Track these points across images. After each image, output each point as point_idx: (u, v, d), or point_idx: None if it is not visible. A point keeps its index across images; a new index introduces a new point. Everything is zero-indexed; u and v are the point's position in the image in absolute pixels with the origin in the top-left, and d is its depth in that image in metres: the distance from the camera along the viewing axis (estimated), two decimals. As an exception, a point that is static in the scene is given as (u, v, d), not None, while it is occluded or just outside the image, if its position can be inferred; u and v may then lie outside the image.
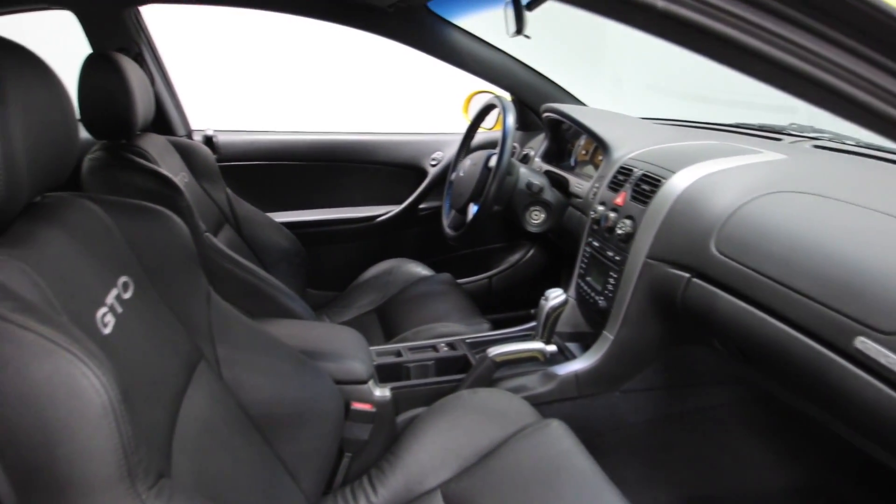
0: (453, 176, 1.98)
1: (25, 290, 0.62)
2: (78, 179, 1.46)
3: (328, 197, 2.34)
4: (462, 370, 1.48)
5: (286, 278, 1.72)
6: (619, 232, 1.41)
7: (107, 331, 0.75)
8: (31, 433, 0.54)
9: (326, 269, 2.30)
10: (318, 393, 1.15)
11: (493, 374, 1.40)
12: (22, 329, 0.54)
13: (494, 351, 1.38)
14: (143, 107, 1.52)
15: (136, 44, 1.88)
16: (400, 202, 2.38)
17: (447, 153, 2.35)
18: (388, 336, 1.84)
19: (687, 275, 1.22)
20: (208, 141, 2.15)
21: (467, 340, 1.57)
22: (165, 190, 1.41)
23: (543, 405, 1.37)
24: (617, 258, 1.43)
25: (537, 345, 1.39)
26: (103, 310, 0.76)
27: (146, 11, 1.94)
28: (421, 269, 2.17)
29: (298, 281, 2.02)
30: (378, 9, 1.81)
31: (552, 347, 1.40)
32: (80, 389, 0.54)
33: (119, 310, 0.80)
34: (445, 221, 1.99)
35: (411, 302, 1.94)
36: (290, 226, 2.13)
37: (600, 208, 1.55)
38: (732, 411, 1.53)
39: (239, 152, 2.22)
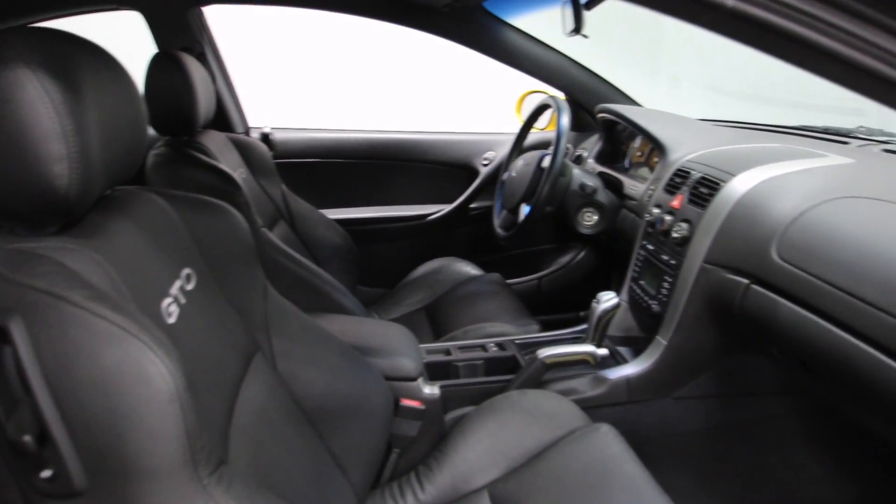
0: (505, 176, 1.98)
1: (98, 279, 0.65)
2: (142, 174, 1.52)
3: (380, 195, 2.37)
4: (511, 371, 1.48)
5: (338, 274, 1.74)
6: (675, 235, 1.38)
7: (171, 320, 0.77)
8: (102, 417, 0.56)
9: (377, 266, 2.33)
10: (368, 388, 1.17)
11: (543, 375, 1.39)
12: (95, 316, 0.57)
13: (544, 353, 1.37)
14: (204, 104, 1.57)
15: (199, 43, 1.94)
16: (451, 201, 2.39)
17: (499, 153, 2.35)
18: (437, 334, 1.85)
19: (746, 281, 1.18)
20: (265, 138, 2.20)
21: (516, 341, 1.57)
22: (225, 185, 1.45)
23: (593, 409, 1.35)
24: (672, 262, 1.40)
25: (588, 348, 1.37)
26: (168, 300, 0.78)
27: (209, 12, 2.00)
28: (470, 269, 2.17)
29: (349, 277, 2.05)
30: (433, 8, 1.81)
31: (603, 351, 1.39)
32: (148, 376, 0.56)
33: (182, 300, 0.82)
34: (496, 221, 1.99)
35: (460, 301, 1.94)
36: (343, 223, 2.16)
37: (656, 211, 1.52)
38: (790, 423, 1.48)
39: (294, 149, 2.26)
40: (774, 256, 1.11)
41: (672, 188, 1.50)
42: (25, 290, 0.58)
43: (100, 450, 0.56)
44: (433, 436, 1.31)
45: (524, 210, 1.80)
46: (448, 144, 2.38)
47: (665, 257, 1.44)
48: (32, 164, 0.60)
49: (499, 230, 1.94)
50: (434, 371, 1.45)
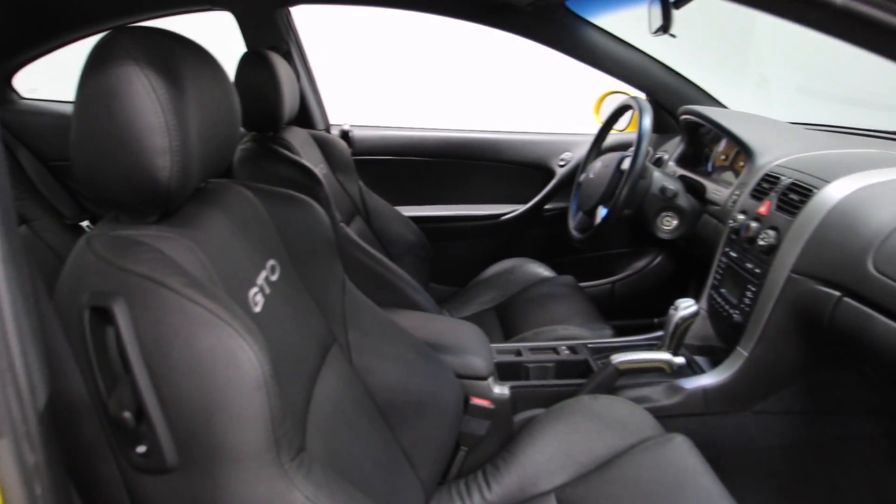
0: (582, 177, 1.95)
1: (193, 267, 0.68)
2: (230, 167, 1.58)
3: (455, 193, 2.38)
4: (583, 375, 1.46)
5: (410, 271, 1.76)
6: (761, 243, 1.33)
7: (257, 309, 0.80)
8: (194, 398, 0.59)
9: (449, 264, 2.34)
10: (440, 385, 1.18)
11: (616, 381, 1.36)
12: (191, 302, 0.60)
13: (618, 358, 1.34)
14: (289, 102, 1.62)
15: (286, 42, 2.00)
16: (525, 201, 2.37)
17: (576, 154, 2.32)
18: (507, 334, 1.84)
19: (837, 293, 1.13)
20: (344, 135, 2.25)
21: (589, 345, 1.54)
22: (307, 180, 1.49)
23: (667, 418, 1.31)
24: (757, 271, 1.35)
25: (664, 355, 1.34)
26: (254, 290, 0.82)
27: (295, 11, 2.06)
28: (543, 270, 2.15)
29: (421, 274, 2.07)
30: (516, 8, 1.81)
31: (680, 359, 1.35)
32: (238, 362, 0.59)
33: (267, 291, 0.85)
34: (571, 223, 1.96)
35: (532, 302, 1.93)
36: (417, 220, 2.18)
37: (740, 217, 1.46)
38: (879, 445, 1.40)
39: (372, 147, 2.30)
40: (870, 268, 1.05)
41: (759, 194, 1.45)
42: (128, 275, 0.61)
43: (190, 429, 0.59)
44: (501, 436, 1.31)
45: (601, 212, 1.77)
46: (524, 144, 2.36)
47: (749, 265, 1.38)
48: (138, 156, 0.64)
49: (574, 232, 1.92)
50: (504, 371, 1.45)
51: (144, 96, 0.63)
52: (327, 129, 2.23)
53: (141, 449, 0.60)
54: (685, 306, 1.34)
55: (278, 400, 0.61)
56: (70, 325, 0.61)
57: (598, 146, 2.04)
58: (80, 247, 0.67)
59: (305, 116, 2.12)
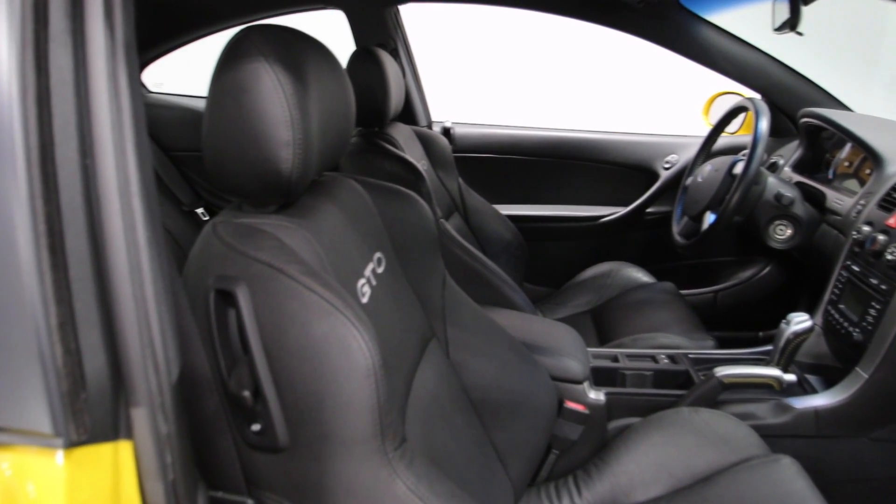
0: (689, 181, 1.88)
1: (308, 256, 0.71)
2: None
3: (553, 193, 2.35)
4: (682, 386, 1.41)
5: (506, 270, 1.76)
6: (889, 258, 1.23)
7: (364, 300, 0.83)
8: (306, 382, 0.61)
9: (544, 264, 2.32)
10: (535, 386, 1.17)
11: (719, 395, 1.31)
12: (308, 290, 0.62)
13: (723, 371, 1.28)
14: (395, 98, 1.66)
15: (393, 39, 2.04)
16: (626, 204, 2.31)
17: (683, 156, 2.24)
18: (602, 339, 1.81)
19: None
20: (446, 132, 2.27)
21: (690, 355, 1.48)
22: (410, 176, 1.52)
23: (773, 438, 1.24)
24: (883, 287, 1.25)
25: (773, 371, 1.27)
26: (362, 281, 0.84)
27: (403, 9, 2.10)
28: (642, 275, 2.09)
29: (516, 274, 2.06)
30: (628, 6, 1.76)
31: (790, 376, 1.27)
32: (350, 350, 0.60)
33: (373, 282, 0.88)
34: (675, 228, 1.89)
35: (629, 307, 1.88)
36: (514, 219, 2.17)
37: (866, 229, 1.36)
38: None
39: (472, 144, 2.31)
40: None
41: (888, 204, 1.34)
42: (251, 262, 0.64)
43: (301, 412, 0.62)
44: (594, 442, 1.28)
45: (709, 218, 1.70)
46: (627, 145, 2.30)
47: (874, 281, 1.28)
48: (264, 148, 0.67)
49: (678, 237, 1.85)
50: (599, 376, 1.42)
51: (272, 91, 0.66)
52: (429, 125, 2.26)
53: (256, 427, 0.63)
54: (799, 321, 1.26)
55: (386, 389, 0.62)
56: (196, 305, 0.65)
57: (707, 149, 1.96)
58: (207, 232, 0.71)
59: (409, 113, 2.16)
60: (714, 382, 1.28)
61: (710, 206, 1.69)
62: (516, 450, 1.15)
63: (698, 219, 1.75)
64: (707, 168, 1.76)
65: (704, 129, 2.00)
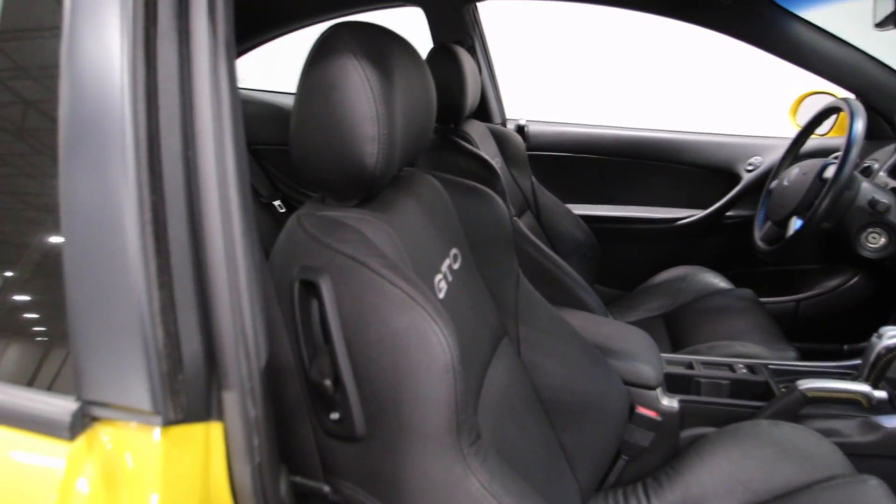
0: (774, 184, 1.80)
1: (389, 250, 0.72)
2: None
3: (628, 194, 2.30)
4: (761, 397, 1.35)
5: (577, 271, 1.73)
6: None
7: (440, 296, 0.83)
8: (385, 375, 0.62)
9: (616, 266, 2.27)
10: (606, 389, 1.15)
11: (801, 409, 1.25)
12: (389, 283, 0.63)
13: (807, 384, 1.23)
14: (471, 95, 1.66)
15: (471, 37, 2.04)
16: (705, 207, 2.23)
17: (767, 159, 2.14)
18: (675, 345, 1.76)
19: None
20: (520, 130, 2.26)
21: (770, 366, 1.42)
22: (485, 173, 1.52)
23: (859, 457, 1.18)
24: None
25: (862, 387, 1.20)
26: (439, 276, 0.85)
27: (481, 6, 2.10)
28: (718, 281, 2.02)
29: (588, 275, 2.03)
30: (716, 2, 1.70)
31: (881, 393, 1.20)
32: (430, 345, 0.61)
33: (449, 278, 0.88)
34: (757, 234, 1.82)
35: (705, 314, 1.82)
36: (587, 219, 2.14)
37: (970, 240, 1.27)
38: None
39: (546, 142, 2.29)
40: None
41: None
42: (334, 254, 0.66)
43: (380, 403, 0.63)
44: (666, 450, 1.25)
45: (794, 224, 1.62)
46: (708, 146, 2.23)
47: (978, 296, 1.20)
48: (350, 143, 0.68)
49: (759, 243, 1.78)
50: (673, 383, 1.38)
51: (359, 87, 0.67)
52: (504, 123, 2.26)
53: (335, 416, 0.64)
54: (892, 335, 1.19)
55: (464, 385, 0.63)
56: (281, 294, 0.67)
57: (795, 151, 1.87)
58: (292, 224, 0.73)
59: (484, 110, 2.16)
60: (797, 395, 1.23)
61: (797, 212, 1.61)
62: (585, 453, 1.13)
63: (783, 224, 1.67)
64: (795, 171, 1.68)
65: (792, 131, 1.91)
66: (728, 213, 2.22)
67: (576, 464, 1.12)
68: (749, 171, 2.17)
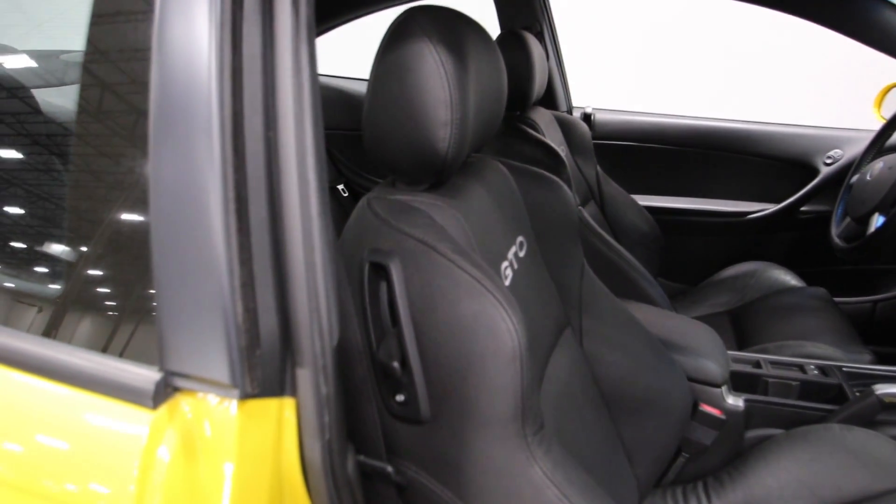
0: (855, 179, 1.72)
1: (458, 235, 0.72)
2: None
3: (697, 186, 2.23)
4: (833, 401, 1.30)
5: (640, 263, 1.70)
6: None
7: (506, 283, 0.83)
8: (452, 359, 0.62)
9: (681, 259, 2.21)
10: (669, 385, 1.13)
11: (877, 415, 1.19)
12: (458, 268, 0.63)
13: (885, 389, 1.17)
14: (539, 82, 1.64)
15: (539, 22, 2.01)
16: (777, 201, 2.15)
17: (848, 152, 2.04)
18: (740, 343, 1.70)
19: None
20: (586, 118, 2.22)
21: (844, 368, 1.36)
22: (550, 161, 1.50)
23: None
24: None
25: (945, 395, 1.14)
26: (505, 263, 0.84)
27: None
28: (790, 278, 1.95)
29: (651, 268, 1.98)
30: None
31: None
32: (498, 331, 0.61)
33: (515, 266, 0.88)
34: (835, 230, 1.74)
35: (774, 312, 1.75)
36: (652, 210, 2.09)
37: None
38: None
39: (613, 131, 2.24)
40: None
41: None
42: (404, 237, 0.66)
43: (446, 387, 0.63)
44: (728, 450, 1.22)
45: (876, 221, 1.54)
46: (784, 138, 2.14)
47: None
48: (423, 127, 0.69)
49: (837, 240, 1.70)
50: (739, 382, 1.34)
51: (434, 71, 0.67)
52: (570, 110, 2.22)
53: (400, 398, 0.65)
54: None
55: (530, 373, 0.62)
56: (351, 276, 0.68)
57: (879, 144, 1.77)
58: (362, 207, 0.74)
59: (550, 97, 2.13)
60: (873, 400, 1.18)
61: (879, 208, 1.53)
62: (644, 448, 1.11)
63: (863, 221, 1.59)
64: (879, 165, 1.60)
65: (876, 123, 1.82)
66: (803, 208, 2.13)
67: (635, 459, 1.11)
68: (828, 164, 2.07)
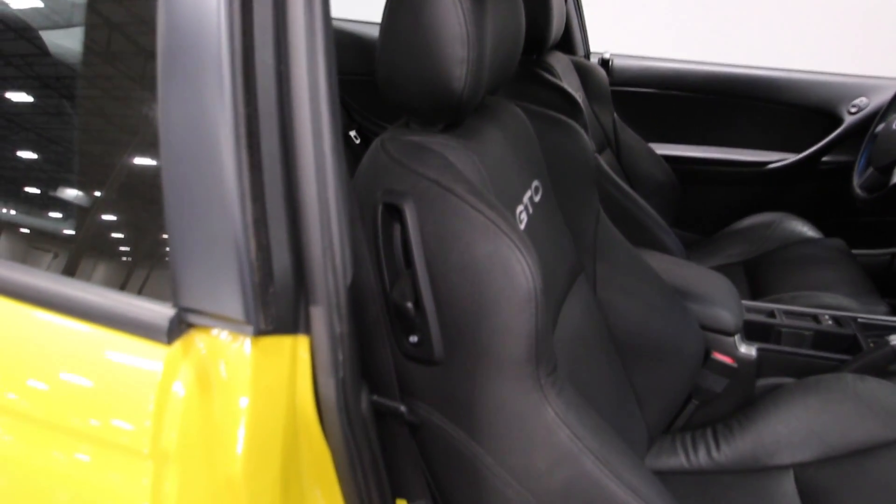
0: (881, 128, 1.67)
1: (473, 177, 0.71)
2: None
3: (716, 134, 2.18)
4: (846, 351, 1.29)
5: (655, 212, 1.68)
6: None
7: (521, 227, 0.82)
8: (466, 300, 0.62)
9: (697, 209, 2.19)
10: (682, 333, 1.13)
11: (891, 365, 1.19)
12: (474, 210, 0.62)
13: (899, 340, 1.17)
14: (556, 25, 1.59)
15: (557, -38, 1.94)
16: (798, 150, 2.10)
17: (874, 100, 1.98)
18: (754, 294, 1.69)
19: None
20: (604, 63, 2.16)
21: (860, 319, 1.35)
22: (567, 107, 1.47)
23: None
24: None
25: (961, 346, 1.13)
26: (520, 207, 0.83)
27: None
28: (807, 229, 1.92)
29: (667, 217, 1.96)
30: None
31: None
32: (513, 273, 0.60)
33: (530, 210, 0.87)
34: (857, 180, 1.70)
35: (790, 263, 1.74)
36: (669, 159, 2.06)
37: None
38: None
39: (631, 78, 2.19)
40: None
41: None
42: (418, 178, 0.65)
43: (459, 329, 0.63)
44: (739, 397, 1.23)
45: (900, 171, 1.51)
46: (808, 85, 2.07)
47: None
48: (438, 65, 0.67)
49: (858, 190, 1.67)
50: (752, 331, 1.34)
51: (451, 7, 0.65)
52: (587, 55, 2.16)
53: (414, 339, 0.65)
54: None
55: (545, 315, 0.62)
56: (365, 217, 0.67)
57: (907, 93, 1.72)
58: (375, 148, 0.73)
59: (568, 41, 2.07)
60: (888, 350, 1.17)
61: (905, 158, 1.50)
62: (655, 395, 1.12)
63: (887, 171, 1.56)
64: (905, 114, 1.55)
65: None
66: (824, 159, 2.08)
67: (645, 405, 1.11)
68: (852, 113, 2.01)
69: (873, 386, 1.12)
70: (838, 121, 2.04)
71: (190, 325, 0.53)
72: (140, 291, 0.57)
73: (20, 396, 0.57)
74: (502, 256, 0.60)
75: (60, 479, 0.56)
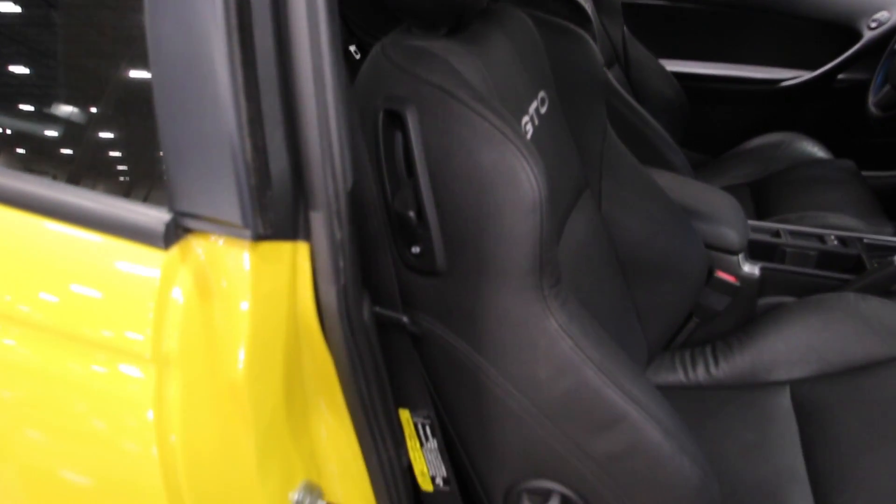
0: (900, 43, 1.61)
1: (477, 83, 0.68)
2: None
3: (729, 50, 2.10)
4: (850, 270, 1.29)
5: (664, 130, 1.63)
6: None
7: (527, 138, 0.80)
8: (470, 209, 0.60)
9: (705, 128, 2.13)
10: (686, 250, 1.12)
11: (893, 285, 1.19)
12: (478, 116, 0.60)
13: (904, 259, 1.16)
14: None
15: None
16: (814, 67, 2.03)
17: (896, 15, 1.90)
18: (760, 214, 1.68)
19: None
20: None
21: (865, 240, 1.34)
22: (575, 17, 1.41)
23: None
24: None
25: (966, 266, 1.13)
26: (526, 118, 0.80)
27: None
28: (817, 150, 1.88)
29: (675, 136, 1.92)
30: None
31: None
32: (518, 181, 0.58)
33: (536, 122, 0.84)
34: (872, 98, 1.65)
35: (798, 183, 1.71)
36: (679, 76, 1.99)
37: None
38: None
39: None
40: None
41: None
42: (421, 84, 0.63)
43: (462, 238, 0.62)
44: (740, 316, 1.23)
45: (918, 88, 1.46)
46: None
47: None
48: None
49: (873, 108, 1.62)
50: (756, 250, 1.33)
51: None
52: (598, -36, 2.06)
53: (416, 249, 0.64)
54: None
55: (550, 225, 0.61)
56: (365, 124, 0.65)
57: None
58: (376, 53, 0.70)
59: (577, -51, 1.97)
60: (892, 270, 1.17)
61: (925, 74, 1.45)
62: (656, 311, 1.12)
63: (905, 88, 1.51)
64: (928, 28, 1.49)
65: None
66: (840, 76, 2.01)
67: (646, 321, 1.12)
68: (872, 28, 1.93)
69: (875, 305, 1.13)
70: (857, 36, 1.96)
71: (187, 230, 0.51)
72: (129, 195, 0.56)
73: (17, 302, 0.57)
74: (507, 164, 0.58)
75: (59, 383, 0.56)
